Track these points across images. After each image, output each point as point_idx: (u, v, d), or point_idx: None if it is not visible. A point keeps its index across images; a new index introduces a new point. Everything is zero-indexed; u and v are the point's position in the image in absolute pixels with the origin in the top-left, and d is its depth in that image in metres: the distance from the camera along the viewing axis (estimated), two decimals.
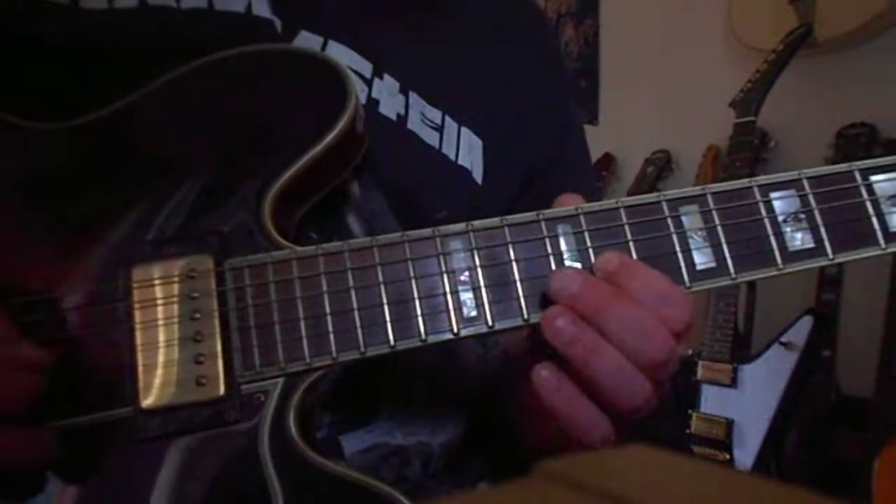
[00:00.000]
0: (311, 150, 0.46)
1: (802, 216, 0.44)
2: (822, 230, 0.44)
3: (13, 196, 0.46)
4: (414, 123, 0.55)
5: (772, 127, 1.77)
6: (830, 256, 0.44)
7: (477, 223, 0.44)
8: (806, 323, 1.50)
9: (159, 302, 0.43)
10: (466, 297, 0.43)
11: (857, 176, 0.45)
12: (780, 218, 0.44)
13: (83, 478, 0.42)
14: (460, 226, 0.44)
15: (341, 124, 0.46)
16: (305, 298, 0.43)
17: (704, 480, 0.17)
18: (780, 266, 0.44)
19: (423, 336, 0.43)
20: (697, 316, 1.78)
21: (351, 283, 0.43)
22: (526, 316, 0.43)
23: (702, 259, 0.44)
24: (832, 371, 1.50)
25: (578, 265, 0.43)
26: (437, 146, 0.56)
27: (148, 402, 0.42)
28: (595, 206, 0.44)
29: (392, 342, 0.42)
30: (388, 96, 0.55)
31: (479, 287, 0.43)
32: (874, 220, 0.44)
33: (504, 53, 0.64)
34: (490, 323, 0.43)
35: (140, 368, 0.42)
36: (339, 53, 0.53)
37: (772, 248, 0.44)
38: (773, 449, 1.48)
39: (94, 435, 0.42)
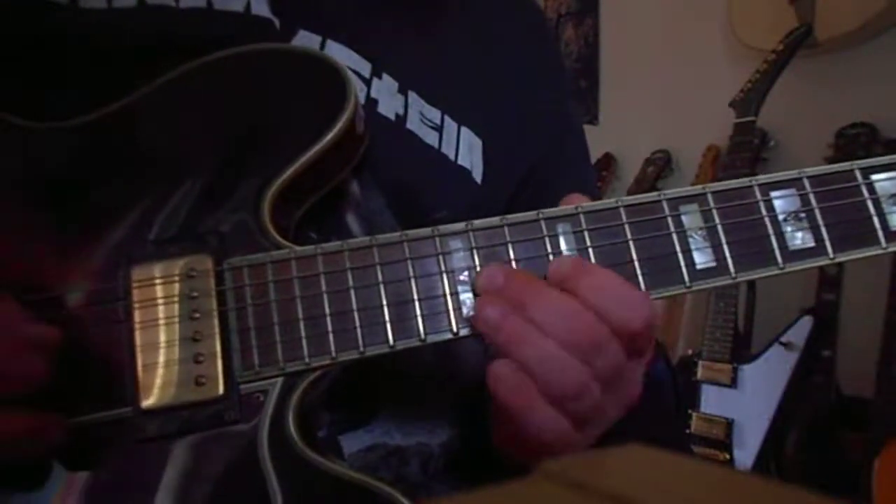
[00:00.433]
0: (310, 149, 0.46)
1: (803, 215, 0.44)
2: (823, 229, 0.44)
3: (13, 196, 0.46)
4: (413, 123, 0.55)
5: (772, 127, 1.77)
6: (831, 256, 0.44)
7: (477, 222, 0.44)
8: (806, 323, 1.50)
9: (159, 301, 0.43)
10: (466, 296, 0.43)
11: (858, 175, 0.45)
12: (781, 217, 0.44)
13: (82, 477, 0.41)
14: (460, 225, 0.44)
15: (340, 123, 0.46)
16: (305, 298, 0.43)
17: (704, 480, 0.17)
18: (781, 265, 0.44)
19: (423, 336, 0.43)
20: (697, 316, 1.79)
21: (350, 282, 0.43)
22: None
23: (702, 258, 0.44)
24: (832, 371, 1.50)
25: None
26: (436, 146, 0.56)
27: (147, 402, 0.42)
28: (595, 205, 0.44)
29: (391, 342, 0.42)
30: (387, 96, 0.55)
31: None
32: (875, 219, 0.44)
33: (503, 53, 0.64)
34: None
35: (139, 368, 0.42)
36: (338, 53, 0.53)
37: (772, 247, 0.44)
38: (773, 449, 1.48)
39: (93, 435, 0.42)
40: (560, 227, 0.44)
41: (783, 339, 1.52)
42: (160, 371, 0.42)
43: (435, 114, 0.57)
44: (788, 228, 0.44)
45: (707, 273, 0.44)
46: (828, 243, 0.44)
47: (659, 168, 1.98)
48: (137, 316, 0.43)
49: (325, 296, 0.43)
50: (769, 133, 1.78)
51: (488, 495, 0.17)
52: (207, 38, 0.49)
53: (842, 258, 0.44)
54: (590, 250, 0.43)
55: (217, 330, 0.43)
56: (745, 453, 1.51)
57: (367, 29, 0.56)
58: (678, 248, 0.44)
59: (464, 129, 0.58)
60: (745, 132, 1.59)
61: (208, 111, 0.48)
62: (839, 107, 1.67)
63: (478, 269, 0.43)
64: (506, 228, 0.44)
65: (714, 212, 0.44)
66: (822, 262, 0.44)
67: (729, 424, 1.53)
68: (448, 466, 0.54)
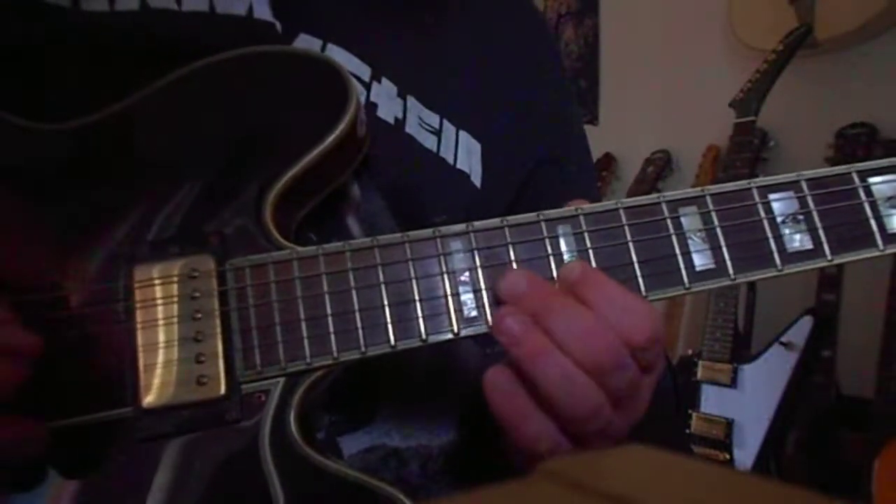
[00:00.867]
0: (312, 150, 0.46)
1: (801, 218, 0.44)
2: (821, 232, 0.44)
3: (15, 196, 0.47)
4: (412, 127, 0.55)
5: (772, 127, 1.76)
6: (829, 258, 0.44)
7: (477, 224, 0.44)
8: (806, 323, 1.50)
9: (160, 302, 0.43)
10: (467, 297, 0.43)
11: (856, 178, 0.45)
12: (779, 219, 0.44)
13: (83, 477, 0.41)
14: (461, 226, 0.44)
15: (343, 125, 0.46)
16: (306, 298, 0.43)
17: (704, 480, 0.17)
18: (780, 267, 0.44)
19: (424, 336, 0.43)
20: (697, 316, 1.79)
21: (352, 283, 0.43)
22: None
23: (701, 260, 0.44)
24: (832, 371, 1.50)
25: None
26: (434, 150, 0.56)
27: (149, 401, 0.42)
28: (595, 206, 0.44)
29: (393, 342, 0.43)
30: (387, 100, 0.55)
31: (480, 288, 0.43)
32: (872, 221, 0.44)
33: (503, 57, 0.64)
34: (490, 323, 0.43)
35: (141, 368, 0.42)
36: (338, 56, 0.53)
37: (771, 249, 0.44)
38: (773, 449, 1.48)
39: (95, 434, 0.42)
40: (560, 229, 0.44)
41: (783, 339, 1.52)
42: (161, 371, 0.42)
43: (434, 118, 0.57)
44: (787, 231, 0.44)
45: (706, 275, 0.44)
46: (826, 245, 0.44)
47: (659, 168, 1.97)
48: (139, 316, 0.43)
49: (326, 296, 0.43)
50: (769, 133, 1.78)
51: (488, 495, 0.17)
52: (209, 42, 0.49)
53: (839, 260, 0.44)
54: (590, 252, 0.44)
55: (219, 330, 0.43)
56: (745, 453, 1.51)
57: (367, 33, 0.56)
58: (677, 250, 0.44)
59: (462, 134, 0.58)
60: (745, 132, 1.58)
61: (210, 112, 0.49)
62: (839, 107, 1.67)
63: (479, 270, 0.43)
64: (506, 230, 0.44)
65: (713, 214, 0.44)
66: (820, 264, 0.44)
67: (729, 424, 1.53)
68: (447, 467, 0.54)
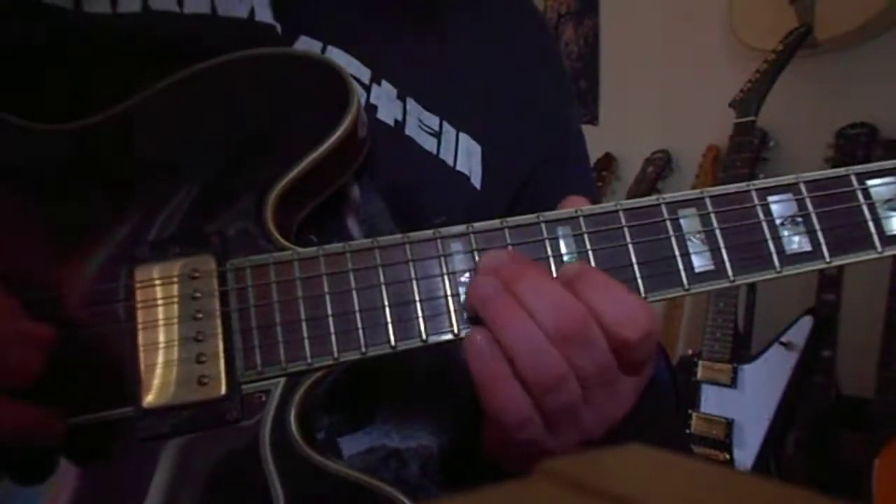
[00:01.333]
0: (313, 151, 0.46)
1: (800, 220, 0.44)
2: (820, 234, 0.44)
3: (16, 196, 0.47)
4: (411, 129, 0.55)
5: (772, 127, 1.76)
6: (827, 260, 0.44)
7: (477, 225, 0.44)
8: (806, 323, 1.50)
9: (161, 302, 0.43)
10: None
11: (854, 180, 0.45)
12: (778, 221, 0.44)
13: (83, 476, 0.42)
14: (461, 227, 0.44)
15: (344, 126, 0.46)
16: (307, 299, 0.43)
17: (704, 480, 0.17)
18: (778, 269, 0.44)
19: (424, 337, 0.43)
20: (697, 316, 1.79)
21: (352, 283, 0.43)
22: None
23: (700, 262, 0.44)
24: (832, 371, 1.49)
25: None
26: (434, 152, 0.56)
27: (149, 401, 0.42)
28: (595, 208, 0.44)
29: (393, 343, 0.43)
30: (386, 102, 0.55)
31: None
32: (870, 223, 0.44)
33: (503, 59, 0.64)
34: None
35: (142, 368, 0.42)
36: (338, 59, 0.53)
37: (769, 251, 0.44)
38: (773, 449, 1.48)
39: (95, 434, 0.42)
40: (560, 230, 0.44)
41: (783, 339, 1.51)
42: (162, 371, 0.42)
43: (433, 120, 0.57)
44: (786, 233, 0.44)
45: (705, 276, 0.44)
46: (824, 247, 0.44)
47: (659, 168, 1.97)
48: (140, 316, 0.43)
49: (327, 297, 0.43)
50: (769, 133, 1.77)
51: (488, 495, 0.17)
52: (211, 44, 0.49)
53: (838, 262, 0.44)
54: (589, 253, 0.44)
55: (220, 330, 0.43)
56: (745, 453, 1.51)
57: (366, 35, 0.56)
58: (677, 252, 0.44)
59: (462, 136, 0.58)
60: (745, 132, 1.58)
61: (211, 114, 0.49)
62: (839, 107, 1.67)
63: None
64: (506, 231, 0.44)
65: (712, 216, 0.44)
66: (819, 265, 0.44)
67: (729, 424, 1.53)
68: (447, 468, 0.54)
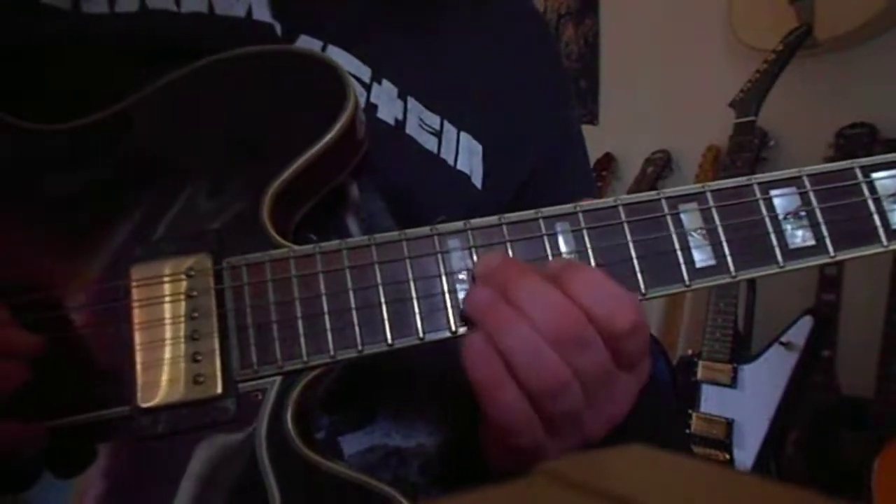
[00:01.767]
0: (310, 149, 0.46)
1: (803, 214, 0.44)
2: (823, 228, 0.44)
3: (13, 196, 0.47)
4: (412, 128, 0.55)
5: (772, 127, 1.77)
6: (832, 254, 0.43)
7: (475, 221, 0.44)
8: (806, 323, 1.50)
9: (157, 301, 0.43)
10: (464, 295, 0.43)
11: (859, 173, 0.44)
12: (781, 216, 0.44)
13: (79, 476, 0.41)
14: (458, 224, 0.44)
15: (340, 124, 0.46)
16: (303, 297, 0.43)
17: (704, 480, 0.17)
18: (781, 264, 0.43)
19: (421, 334, 0.43)
20: (697, 316, 1.79)
21: (349, 281, 0.43)
22: None
23: (701, 257, 0.43)
24: (832, 371, 1.50)
25: None
26: (435, 151, 0.56)
27: (146, 401, 0.42)
28: (594, 204, 0.44)
29: (389, 340, 0.42)
30: (387, 101, 0.55)
31: None
32: (876, 217, 0.44)
33: (503, 58, 0.64)
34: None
35: (138, 367, 0.42)
36: (338, 58, 0.53)
37: (772, 245, 0.43)
38: (773, 449, 1.48)
39: (91, 434, 0.42)
40: (559, 226, 0.44)
41: (783, 339, 1.52)
42: (158, 370, 0.42)
43: (434, 119, 0.57)
44: (788, 227, 0.44)
45: (706, 272, 0.43)
46: (828, 242, 0.43)
47: (659, 168, 1.98)
48: (136, 315, 0.43)
49: (323, 295, 0.43)
50: (769, 133, 1.78)
51: (488, 495, 0.17)
52: (208, 43, 0.49)
53: (842, 256, 0.43)
54: (589, 249, 0.43)
55: (215, 329, 0.43)
56: (745, 453, 1.51)
57: (367, 34, 0.56)
58: (677, 247, 0.43)
59: (463, 135, 0.58)
60: (745, 132, 1.59)
61: (208, 112, 0.49)
62: (839, 107, 1.67)
63: None
64: (504, 227, 0.44)
65: (713, 210, 0.44)
66: (823, 260, 0.44)
67: (729, 424, 1.54)
68: (448, 467, 0.54)
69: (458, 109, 0.58)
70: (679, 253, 0.43)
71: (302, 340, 0.42)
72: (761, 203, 0.44)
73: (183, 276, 0.44)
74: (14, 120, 0.47)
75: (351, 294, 0.43)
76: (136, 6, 0.50)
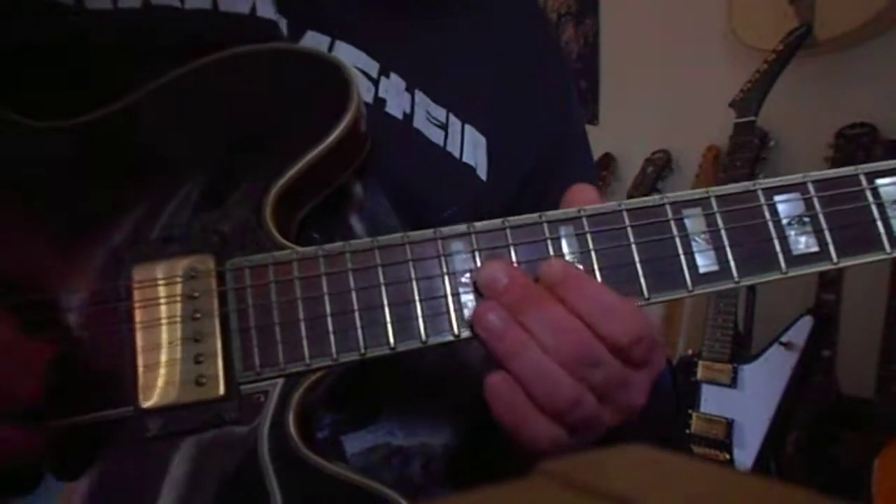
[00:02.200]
0: (313, 149, 0.46)
1: (807, 220, 0.44)
2: (827, 234, 0.44)
3: (14, 194, 0.46)
4: (420, 122, 0.55)
5: (772, 127, 1.76)
6: (835, 260, 0.43)
7: (478, 224, 0.44)
8: (806, 323, 1.50)
9: (160, 301, 0.43)
10: (467, 298, 0.43)
11: (863, 179, 0.44)
12: (785, 221, 0.44)
13: (80, 477, 0.41)
14: (462, 227, 0.44)
15: (344, 123, 0.46)
16: (306, 299, 0.43)
17: (704, 480, 0.17)
18: (784, 270, 0.43)
19: (424, 338, 0.43)
20: (697, 316, 1.79)
21: (352, 284, 0.43)
22: None
23: (705, 262, 0.43)
24: (832, 371, 1.50)
25: (581, 267, 0.43)
26: (441, 144, 0.56)
27: (147, 402, 0.42)
28: (597, 208, 0.44)
29: (392, 343, 0.42)
30: (395, 95, 0.55)
31: None
32: (879, 224, 0.44)
33: (507, 53, 0.64)
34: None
35: (140, 368, 0.42)
36: (346, 53, 0.53)
37: (776, 251, 0.43)
38: (773, 449, 1.48)
39: (93, 434, 0.42)
40: (562, 230, 0.44)
41: (783, 339, 1.51)
42: (161, 371, 0.42)
43: (440, 112, 0.57)
44: (792, 233, 0.44)
45: (710, 277, 0.43)
46: (832, 248, 0.44)
47: (659, 168, 1.97)
48: (138, 316, 0.43)
49: (326, 297, 0.43)
50: (769, 133, 1.77)
51: (488, 495, 0.17)
52: (212, 40, 0.49)
53: (845, 263, 0.43)
54: (592, 253, 0.43)
55: (218, 330, 0.43)
56: (745, 453, 1.51)
57: (373, 28, 0.56)
58: (681, 252, 0.43)
59: (468, 127, 0.58)
60: (745, 132, 1.58)
61: (211, 110, 0.49)
62: (839, 107, 1.67)
63: None
64: (507, 231, 0.44)
65: (717, 215, 0.44)
66: (826, 266, 0.44)
67: (729, 424, 1.53)
68: (450, 467, 0.54)
69: (462, 102, 0.59)
70: (682, 258, 0.43)
71: (304, 343, 0.42)
72: (765, 209, 0.44)
73: (185, 278, 0.44)
74: (16, 117, 0.47)
75: (354, 296, 0.43)
76: (139, 2, 0.50)
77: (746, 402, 1.54)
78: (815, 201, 0.44)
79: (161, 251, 0.44)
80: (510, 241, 0.44)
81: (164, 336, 0.43)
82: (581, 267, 0.43)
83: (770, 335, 1.56)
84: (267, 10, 0.53)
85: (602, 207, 0.44)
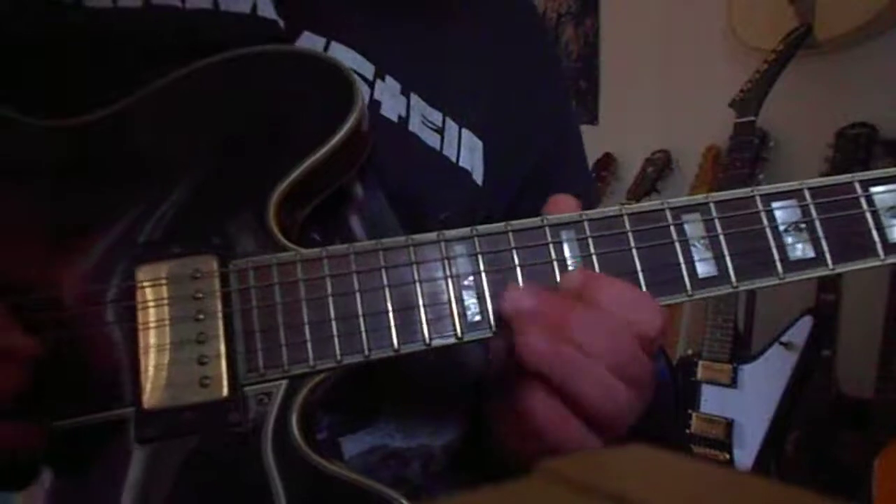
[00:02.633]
0: (317, 151, 0.45)
1: (803, 226, 0.44)
2: (823, 241, 0.44)
3: (16, 193, 0.46)
4: (415, 125, 0.55)
5: (772, 127, 1.76)
6: (830, 266, 0.44)
7: (481, 228, 0.44)
8: (806, 323, 1.50)
9: (163, 302, 0.43)
10: (470, 301, 0.43)
11: (857, 187, 0.45)
12: (782, 227, 0.44)
13: (81, 477, 0.42)
14: (465, 230, 0.44)
15: (348, 125, 0.46)
16: (310, 301, 0.43)
17: (704, 480, 0.17)
18: (781, 275, 0.44)
19: (427, 340, 0.43)
20: (697, 316, 1.79)
21: (356, 286, 0.43)
22: None
23: (704, 267, 0.44)
24: (832, 371, 1.50)
25: None
26: (437, 148, 0.56)
27: (150, 402, 0.42)
28: (599, 212, 0.44)
29: (396, 346, 0.42)
30: (390, 98, 0.55)
31: (484, 292, 0.43)
32: (874, 231, 0.44)
33: (503, 54, 0.64)
34: (494, 328, 0.43)
35: (143, 369, 0.42)
36: (342, 55, 0.53)
37: (773, 257, 0.44)
38: (773, 449, 1.48)
39: (95, 435, 0.42)
40: (564, 234, 0.44)
41: (783, 339, 1.52)
42: (163, 372, 0.42)
43: (436, 116, 0.57)
44: (789, 239, 0.44)
45: (709, 282, 0.44)
46: (827, 254, 0.44)
47: (659, 168, 1.97)
48: (141, 317, 0.43)
49: (330, 299, 0.43)
50: (769, 133, 1.77)
51: (488, 495, 0.17)
52: (213, 40, 0.49)
53: (840, 269, 0.44)
54: (593, 257, 0.43)
55: (221, 332, 0.43)
56: (745, 453, 1.51)
57: (370, 31, 0.56)
58: (681, 258, 0.44)
59: (464, 131, 0.58)
60: (745, 132, 1.58)
61: (214, 111, 0.49)
62: (839, 107, 1.67)
63: (482, 274, 0.43)
64: (510, 234, 0.44)
65: (716, 221, 0.44)
66: (822, 272, 0.44)
67: (729, 424, 1.53)
68: (449, 467, 0.54)
69: (459, 106, 0.58)
70: (682, 263, 0.44)
71: (308, 344, 0.42)
72: (763, 215, 0.44)
73: (188, 279, 0.44)
74: (16, 116, 0.47)
75: (358, 299, 0.43)
76: (140, 1, 0.50)
77: (746, 402, 1.54)
78: (812, 208, 0.44)
79: (164, 252, 0.44)
80: (513, 244, 0.44)
81: (168, 337, 0.43)
82: None
83: (770, 335, 1.56)
84: (267, 10, 0.53)
85: (603, 211, 0.44)
